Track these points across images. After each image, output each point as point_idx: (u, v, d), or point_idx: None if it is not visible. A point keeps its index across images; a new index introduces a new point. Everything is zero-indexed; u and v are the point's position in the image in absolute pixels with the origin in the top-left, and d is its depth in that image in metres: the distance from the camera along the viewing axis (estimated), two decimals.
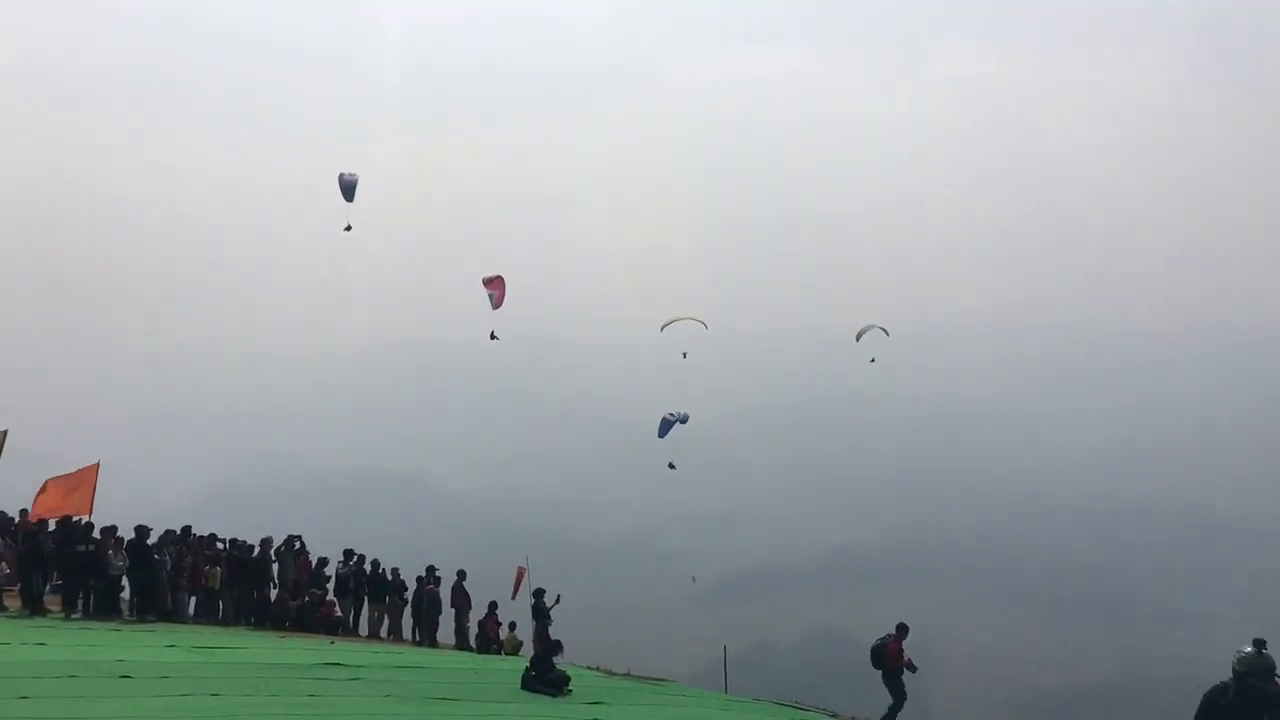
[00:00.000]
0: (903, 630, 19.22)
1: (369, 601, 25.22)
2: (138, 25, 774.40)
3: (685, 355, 32.00)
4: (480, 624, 25.49)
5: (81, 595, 20.86)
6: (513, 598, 26.84)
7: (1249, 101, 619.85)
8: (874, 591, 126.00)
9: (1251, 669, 10.00)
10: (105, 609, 20.89)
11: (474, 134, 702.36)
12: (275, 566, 24.16)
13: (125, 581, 21.46)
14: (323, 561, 25.34)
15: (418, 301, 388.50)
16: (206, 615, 22.92)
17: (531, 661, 17.01)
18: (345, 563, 25.30)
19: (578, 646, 23.75)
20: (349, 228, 28.48)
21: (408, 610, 25.28)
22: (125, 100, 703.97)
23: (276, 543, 24.49)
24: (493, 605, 25.70)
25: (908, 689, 19.11)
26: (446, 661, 21.13)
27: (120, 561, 21.00)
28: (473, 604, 25.47)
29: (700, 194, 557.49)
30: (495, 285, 28.06)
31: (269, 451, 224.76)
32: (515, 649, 25.24)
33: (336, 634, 23.79)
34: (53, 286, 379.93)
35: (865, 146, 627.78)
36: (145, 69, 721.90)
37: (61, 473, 23.43)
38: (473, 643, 25.31)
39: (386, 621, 25.28)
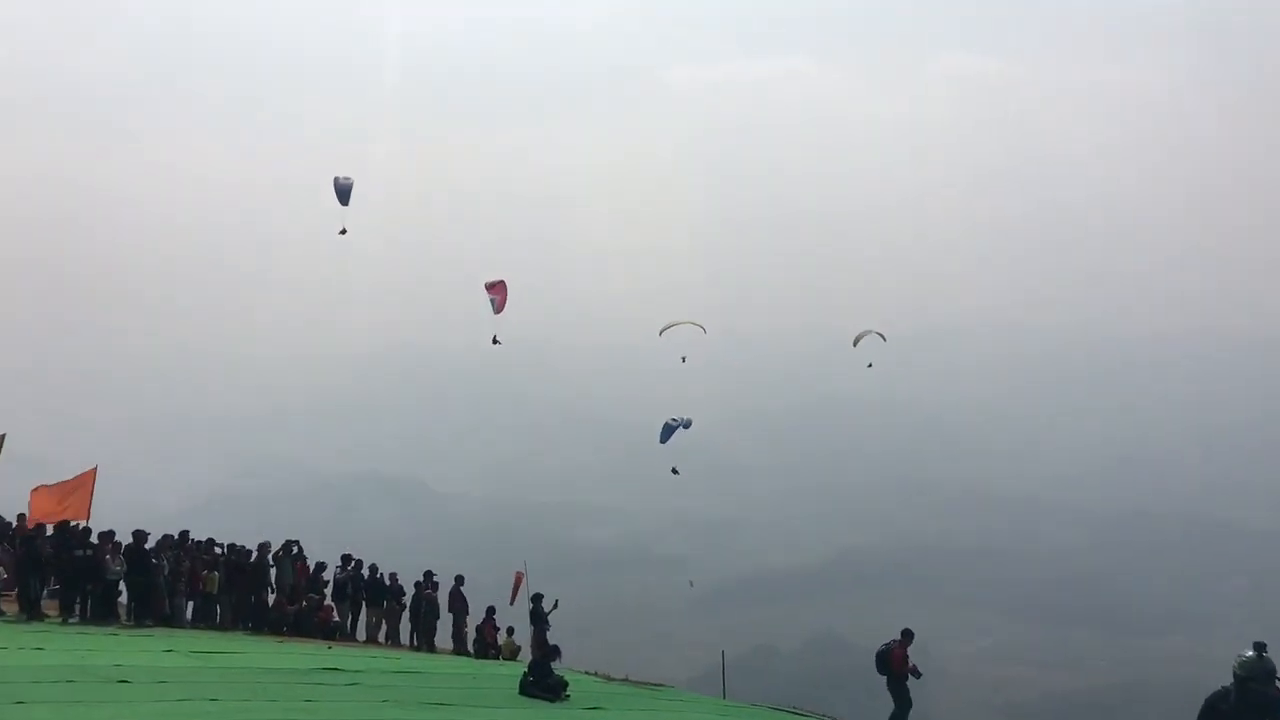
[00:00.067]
0: (907, 636, 19.13)
1: (367, 606, 25.18)
2: (138, 26, 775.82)
3: (684, 359, 31.96)
4: (478, 629, 25.46)
5: (79, 600, 20.82)
6: (511, 603, 26.81)
7: (1249, 102, 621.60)
8: (873, 596, 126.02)
9: (1253, 673, 9.95)
10: (103, 614, 20.85)
11: (474, 135, 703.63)
12: (273, 571, 24.12)
13: (123, 586, 21.42)
14: (320, 566, 25.30)
15: (417, 302, 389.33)
16: (204, 620, 22.87)
17: (529, 667, 16.99)
18: (343, 567, 25.27)
19: (576, 651, 23.70)
20: (344, 231, 28.47)
21: (406, 615, 25.24)
22: (125, 100, 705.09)
23: (274, 547, 24.45)
24: (491, 610, 25.67)
25: (912, 696, 19.04)
26: (444, 667, 21.10)
27: (118, 566, 20.96)
28: (470, 609, 25.44)
29: (700, 194, 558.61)
30: (497, 290, 28.01)
31: (267, 455, 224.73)
32: (513, 654, 25.20)
33: (334, 639, 23.75)
34: (53, 286, 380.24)
35: (865, 147, 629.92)
36: (145, 69, 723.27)
37: (58, 477, 23.41)
38: (470, 648, 25.28)
39: (384, 626, 25.24)
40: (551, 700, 16.09)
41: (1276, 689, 9.94)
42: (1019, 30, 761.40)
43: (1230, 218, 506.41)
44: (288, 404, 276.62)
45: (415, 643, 25.03)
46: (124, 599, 21.79)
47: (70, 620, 20.35)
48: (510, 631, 25.84)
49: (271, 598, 24.03)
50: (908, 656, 18.78)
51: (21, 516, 22.26)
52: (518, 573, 27.77)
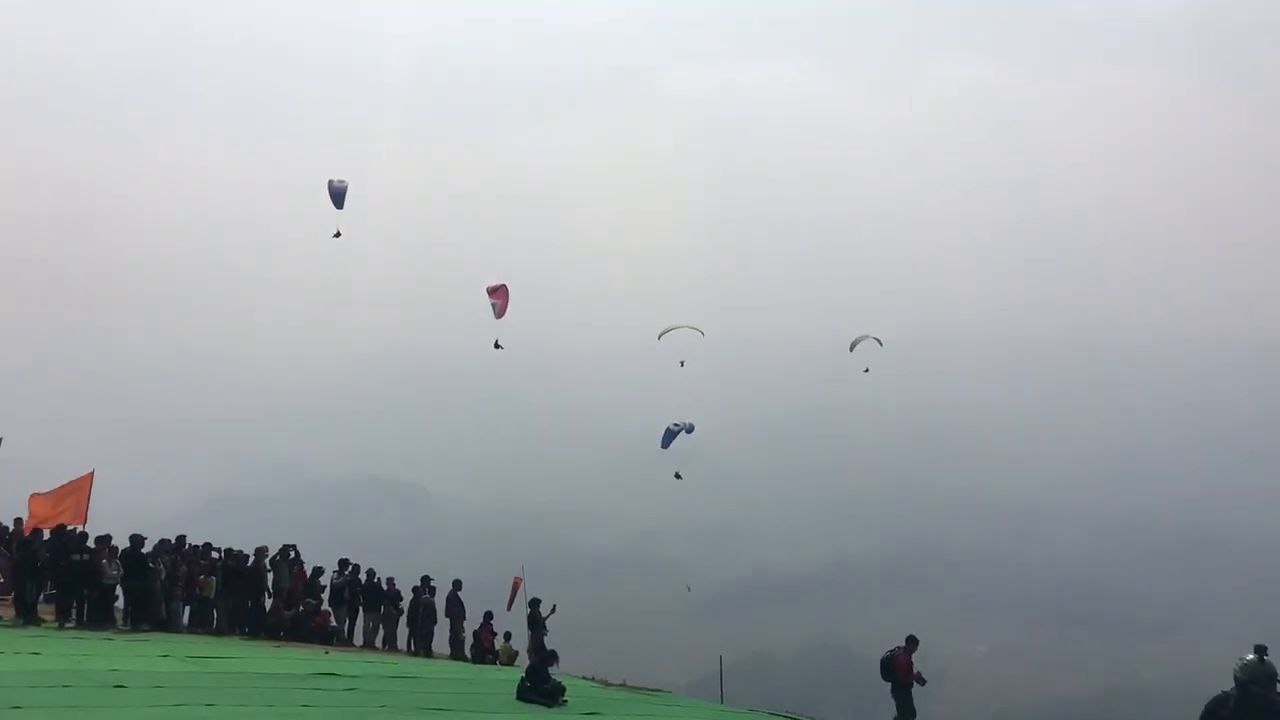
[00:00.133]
0: (912, 643, 19.10)
1: (364, 611, 25.16)
2: (138, 26, 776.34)
3: (683, 363, 31.98)
4: (475, 634, 25.44)
5: (76, 604, 20.79)
6: (508, 608, 26.78)
7: (1249, 106, 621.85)
8: (872, 601, 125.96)
9: (1254, 677, 9.92)
10: (99, 618, 20.82)
11: (474, 135, 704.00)
12: (270, 576, 24.09)
13: (119, 591, 21.38)
14: (318, 571, 25.26)
15: (417, 304, 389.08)
16: (201, 625, 22.85)
17: (527, 672, 16.98)
18: (340, 572, 25.25)
19: (573, 656, 23.68)
20: (338, 234, 28.47)
21: (403, 620, 25.21)
22: (125, 100, 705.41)
23: (271, 552, 24.43)
24: (488, 615, 25.66)
25: (916, 704, 18.99)
26: (441, 672, 21.08)
27: (115, 571, 20.93)
28: (468, 614, 25.42)
29: (700, 194, 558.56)
30: (499, 294, 27.98)
31: (265, 458, 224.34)
32: (510, 659, 25.19)
33: (331, 644, 23.71)
34: (52, 286, 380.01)
35: (863, 150, 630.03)
36: (145, 69, 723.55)
37: (55, 480, 23.34)
38: (468, 653, 25.25)
39: (381, 631, 25.21)
40: (549, 705, 16.08)
41: (1277, 692, 9.92)
42: (1018, 34, 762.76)
43: (1230, 222, 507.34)
44: (286, 406, 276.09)
45: (412, 648, 25.00)
46: (121, 603, 21.76)
47: (67, 625, 20.32)
48: (508, 636, 25.82)
49: (269, 602, 24.01)
50: (912, 663, 18.77)
51: (19, 520, 22.23)
52: (516, 578, 27.75)
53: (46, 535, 21.24)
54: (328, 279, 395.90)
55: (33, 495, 22.33)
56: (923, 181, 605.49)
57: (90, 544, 20.98)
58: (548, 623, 23.60)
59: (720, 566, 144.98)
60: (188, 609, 22.75)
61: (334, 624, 24.74)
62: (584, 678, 22.89)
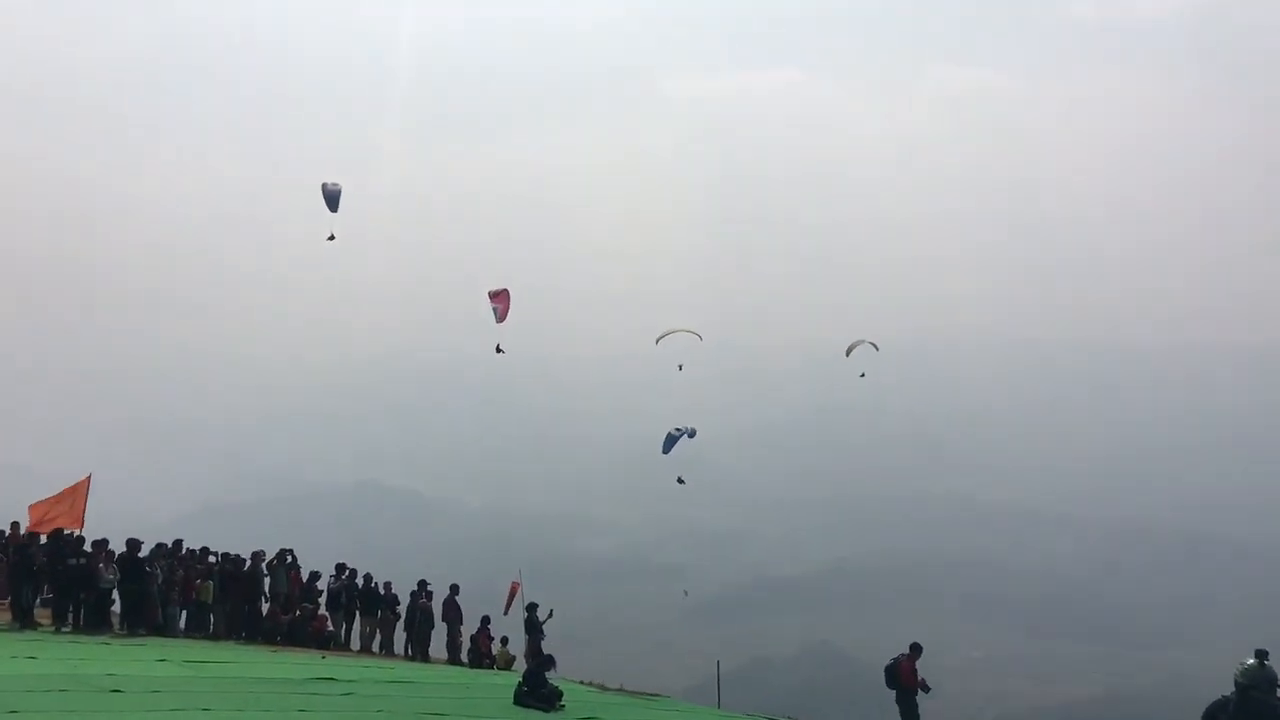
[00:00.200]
0: (916, 650, 19.09)
1: (361, 616, 25.13)
2: (138, 26, 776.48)
3: (681, 367, 31.98)
4: (472, 638, 25.40)
5: (72, 609, 20.76)
6: (505, 613, 26.75)
7: (1252, 110, 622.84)
8: (869, 607, 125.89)
9: (1254, 681, 9.90)
10: (96, 622, 20.79)
11: (474, 135, 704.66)
12: (267, 580, 24.06)
13: (116, 595, 21.35)
14: (315, 575, 25.24)
15: (417, 305, 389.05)
16: (198, 629, 22.81)
17: (524, 676, 16.96)
18: (337, 577, 25.22)
19: (571, 661, 23.67)
20: (332, 237, 28.40)
21: (400, 625, 25.18)
22: (126, 101, 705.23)
23: (269, 556, 24.40)
24: (485, 619, 25.62)
25: (920, 711, 18.97)
26: (438, 676, 21.06)
27: (111, 575, 20.91)
28: (465, 618, 25.38)
29: (700, 193, 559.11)
30: (500, 299, 27.96)
31: (263, 462, 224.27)
32: (508, 664, 25.15)
33: (328, 648, 23.68)
34: (53, 286, 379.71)
35: (861, 157, 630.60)
36: (146, 70, 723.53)
37: (51, 482, 23.34)
38: (465, 657, 25.23)
39: (379, 636, 25.18)
40: (546, 710, 16.07)
41: (1278, 697, 9.90)
42: (1018, 35, 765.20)
43: (1231, 224, 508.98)
44: (285, 407, 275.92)
45: (410, 652, 24.97)
46: (117, 608, 21.73)
47: (63, 629, 20.29)
48: (505, 641, 25.78)
49: (265, 607, 23.98)
50: (916, 670, 18.75)
51: (15, 524, 22.19)
52: (513, 582, 27.73)
53: (43, 539, 21.22)
54: (328, 279, 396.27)
55: (32, 505, 22.35)
56: (922, 183, 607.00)
57: (87, 548, 20.96)
58: (545, 627, 23.59)
59: (718, 570, 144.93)
60: (184, 613, 22.71)
61: (331, 628, 24.71)
62: (581, 682, 22.89)
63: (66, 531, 21.52)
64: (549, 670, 17.09)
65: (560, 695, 16.53)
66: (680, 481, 35.29)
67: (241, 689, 15.60)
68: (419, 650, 24.87)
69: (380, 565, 28.87)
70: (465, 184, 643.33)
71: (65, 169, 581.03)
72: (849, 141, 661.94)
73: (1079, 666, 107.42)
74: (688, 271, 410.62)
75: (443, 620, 25.22)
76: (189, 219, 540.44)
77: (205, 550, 23.96)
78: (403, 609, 25.14)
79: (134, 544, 21.48)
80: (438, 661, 24.86)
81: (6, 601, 20.79)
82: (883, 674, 19.28)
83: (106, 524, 22.70)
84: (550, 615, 23.84)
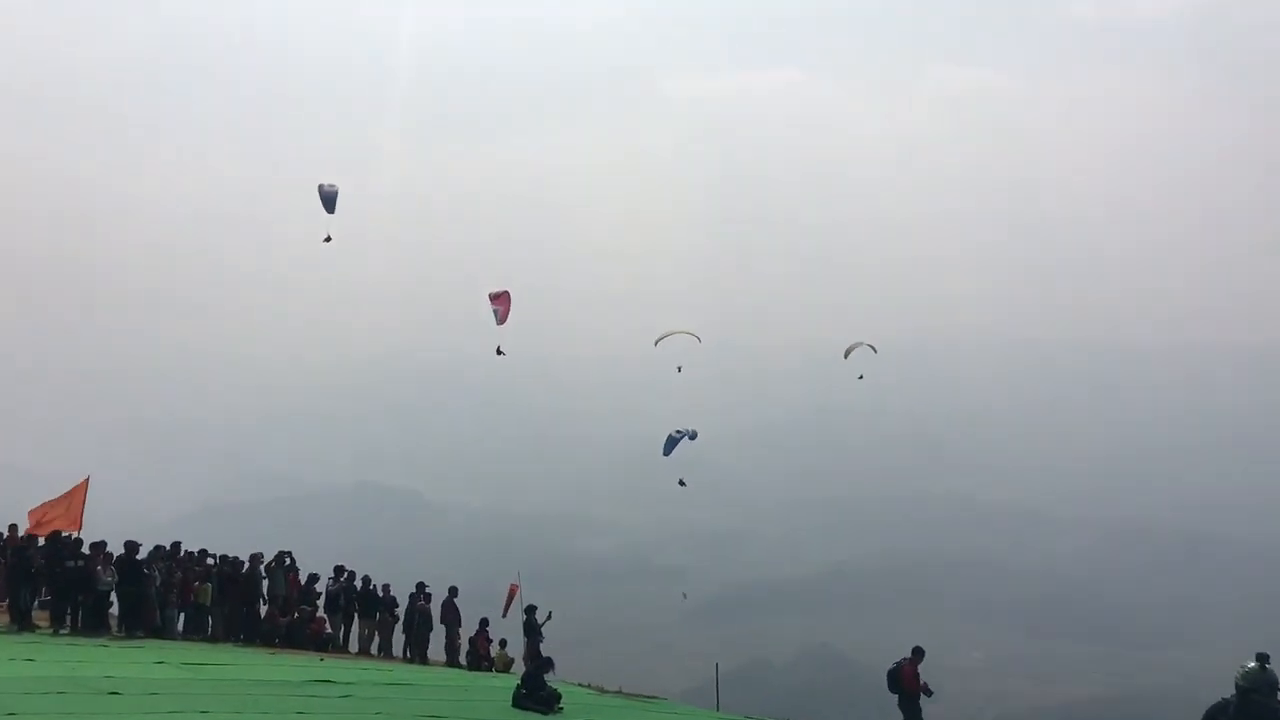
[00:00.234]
0: (918, 654, 19.04)
1: (359, 618, 25.09)
2: (139, 27, 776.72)
3: (680, 369, 31.97)
4: (471, 641, 25.37)
5: (70, 611, 20.73)
6: (504, 615, 26.72)
7: (1252, 110, 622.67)
8: (868, 609, 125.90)
9: (1255, 685, 9.87)
10: (94, 625, 20.76)
11: (474, 136, 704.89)
12: (265, 583, 24.02)
13: (114, 597, 21.32)
14: (313, 578, 25.19)
15: (417, 305, 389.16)
16: (196, 631, 22.77)
17: (522, 679, 16.95)
18: (335, 579, 25.18)
19: (570, 663, 23.67)
20: (328, 238, 28.30)
21: (398, 627, 25.14)
22: (126, 101, 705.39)
23: (267, 558, 24.36)
24: (484, 622, 25.59)
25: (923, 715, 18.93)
26: (437, 679, 21.04)
27: (109, 577, 20.88)
28: (464, 620, 25.34)
29: (700, 193, 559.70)
30: (501, 300, 27.92)
31: (261, 464, 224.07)
32: (506, 666, 25.13)
33: (326, 651, 23.65)
34: (53, 286, 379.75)
35: (861, 158, 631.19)
36: (146, 70, 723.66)
37: (49, 483, 23.33)
38: (463, 660, 25.20)
39: (377, 638, 25.15)
40: (544, 713, 16.06)
41: (1278, 700, 9.89)
42: (1018, 36, 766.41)
43: (1229, 230, 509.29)
44: (284, 408, 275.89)
45: (408, 654, 24.94)
46: (115, 610, 21.70)
47: (61, 631, 20.26)
48: (503, 644, 25.76)
49: (264, 609, 23.95)
50: (919, 674, 18.72)
51: (13, 527, 22.17)
52: (512, 585, 27.71)
53: (41, 541, 21.20)
54: (328, 279, 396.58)
55: (31, 511, 22.35)
56: (922, 183, 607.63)
57: (85, 550, 20.92)
58: (544, 629, 23.57)
59: (717, 572, 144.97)
60: (182, 615, 22.67)
61: (329, 631, 24.67)
62: (580, 684, 22.88)
63: (64, 534, 21.50)
64: (547, 673, 17.08)
65: (559, 698, 16.52)
66: (681, 484, 35.22)
67: (239, 691, 15.58)
68: (417, 652, 24.84)
69: (379, 567, 28.88)
70: (465, 184, 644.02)
71: (65, 169, 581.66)
72: (849, 141, 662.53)
73: (1079, 667, 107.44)
74: (688, 271, 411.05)
75: (441, 622, 25.17)
76: (189, 219, 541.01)
77: (203, 552, 23.92)
78: (401, 611, 25.11)
79: (132, 546, 21.44)
80: (436, 664, 24.83)
81: (4, 604, 20.75)
82: (883, 677, 19.24)
83: (105, 525, 22.68)
84: (549, 617, 23.83)
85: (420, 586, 25.35)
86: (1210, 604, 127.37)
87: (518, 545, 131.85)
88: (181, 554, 23.34)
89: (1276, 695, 9.87)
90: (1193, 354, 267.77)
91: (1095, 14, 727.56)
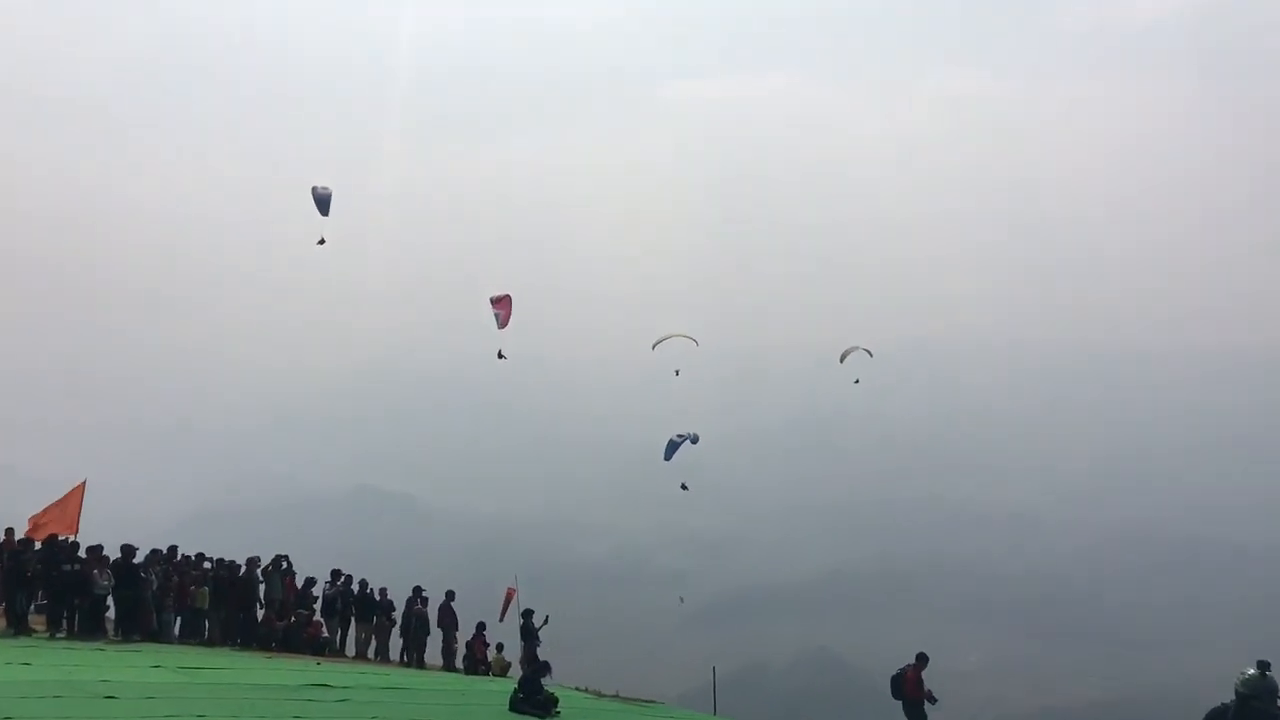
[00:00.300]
0: (922, 660, 19.03)
1: (356, 622, 25.07)
2: (139, 27, 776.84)
3: (678, 372, 31.98)
4: (468, 645, 25.37)
5: (66, 615, 20.69)
6: (500, 619, 26.72)
7: (1252, 111, 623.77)
8: (865, 613, 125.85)
9: (1256, 691, 9.91)
10: (90, 629, 20.73)
11: (473, 136, 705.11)
12: (262, 586, 24.00)
13: (110, 601, 21.29)
14: (310, 581, 25.20)
15: (416, 306, 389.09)
16: (192, 635, 22.74)
17: (519, 683, 16.95)
18: (332, 583, 25.17)
19: (567, 667, 23.65)
20: (322, 241, 28.21)
21: (395, 631, 25.13)
22: (126, 101, 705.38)
23: (264, 562, 24.35)
24: (480, 626, 25.59)
25: None
26: (433, 683, 21.02)
27: (106, 581, 20.85)
28: (460, 624, 25.33)
29: (700, 193, 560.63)
30: (503, 305, 27.92)
31: (258, 467, 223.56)
32: (503, 670, 25.12)
33: (323, 655, 23.63)
34: (53, 286, 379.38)
35: (860, 162, 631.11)
36: (147, 70, 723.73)
37: (46, 485, 23.34)
38: (460, 664, 25.18)
39: (374, 642, 25.13)
40: (541, 717, 16.07)
41: (1278, 708, 9.91)
42: (1018, 37, 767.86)
43: (1229, 230, 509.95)
44: (282, 409, 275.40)
45: (405, 659, 24.92)
46: (112, 614, 21.67)
47: (58, 635, 20.23)
48: (500, 648, 25.76)
49: (260, 613, 23.92)
50: (922, 680, 18.71)
51: (9, 530, 22.14)
52: (509, 589, 27.70)
53: (37, 545, 21.17)
54: (327, 279, 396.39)
55: (31, 518, 22.35)
56: (922, 183, 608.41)
57: (81, 554, 20.90)
58: (540, 633, 23.56)
59: (714, 576, 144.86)
60: (179, 619, 22.65)
61: (326, 635, 24.65)
62: (577, 689, 22.88)
63: (61, 537, 21.49)
64: (544, 677, 17.09)
65: (556, 702, 16.53)
66: (684, 488, 35.22)
67: (236, 695, 15.57)
68: (414, 657, 24.83)
69: (376, 571, 28.83)
70: (465, 184, 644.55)
71: (65, 169, 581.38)
72: (849, 141, 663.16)
73: (1077, 670, 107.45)
74: (688, 271, 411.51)
75: (438, 626, 25.16)
76: (189, 219, 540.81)
77: (200, 556, 23.91)
78: (398, 615, 25.09)
79: (128, 550, 21.42)
80: (433, 668, 24.81)
81: (1, 608, 20.73)
82: (880, 680, 19.26)
83: (103, 529, 22.66)
84: (546, 621, 23.82)
85: (417, 590, 25.35)
86: (1210, 606, 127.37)
87: (515, 549, 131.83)
88: (178, 558, 23.34)
89: (1276, 702, 9.89)
90: (1192, 355, 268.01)
91: (1095, 14, 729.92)
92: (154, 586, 21.62)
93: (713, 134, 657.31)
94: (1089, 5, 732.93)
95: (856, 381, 32.99)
